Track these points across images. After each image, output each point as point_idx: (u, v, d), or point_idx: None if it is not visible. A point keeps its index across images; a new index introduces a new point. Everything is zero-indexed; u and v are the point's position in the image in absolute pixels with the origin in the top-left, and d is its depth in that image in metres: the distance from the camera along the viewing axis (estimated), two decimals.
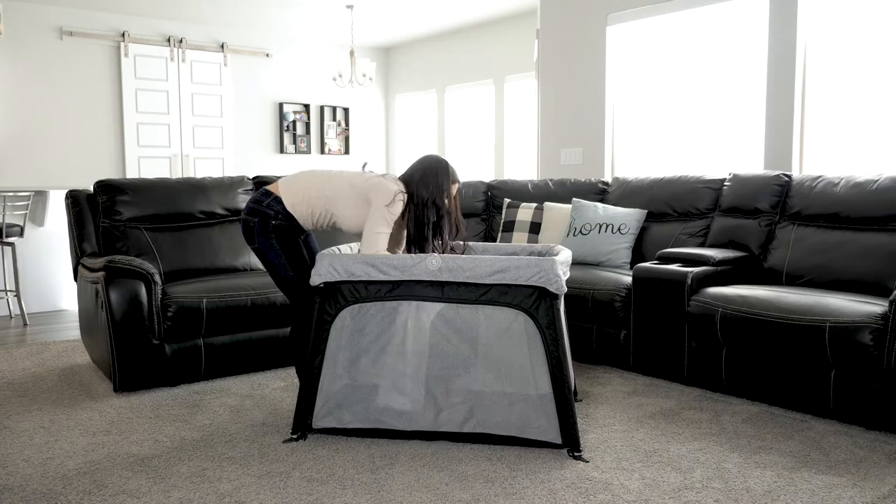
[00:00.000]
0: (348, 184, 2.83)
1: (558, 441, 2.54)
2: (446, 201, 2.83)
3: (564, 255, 2.66)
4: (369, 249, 2.73)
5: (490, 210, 4.94)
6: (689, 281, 3.31)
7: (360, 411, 2.66)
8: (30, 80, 7.37)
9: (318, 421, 2.68)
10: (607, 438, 2.70)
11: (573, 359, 3.82)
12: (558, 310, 2.52)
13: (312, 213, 2.87)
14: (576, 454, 2.50)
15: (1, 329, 5.01)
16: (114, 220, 3.84)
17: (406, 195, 2.81)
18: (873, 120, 4.16)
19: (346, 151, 9.56)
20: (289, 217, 2.86)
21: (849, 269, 3.30)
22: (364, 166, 2.95)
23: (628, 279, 3.60)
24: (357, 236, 2.93)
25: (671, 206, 4.19)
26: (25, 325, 5.14)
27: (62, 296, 5.77)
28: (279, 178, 4.44)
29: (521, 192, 4.83)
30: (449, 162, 2.85)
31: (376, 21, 8.25)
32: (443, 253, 2.86)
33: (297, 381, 3.49)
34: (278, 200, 2.84)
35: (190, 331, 3.42)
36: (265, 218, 2.83)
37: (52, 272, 5.72)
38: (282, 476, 2.37)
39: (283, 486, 2.28)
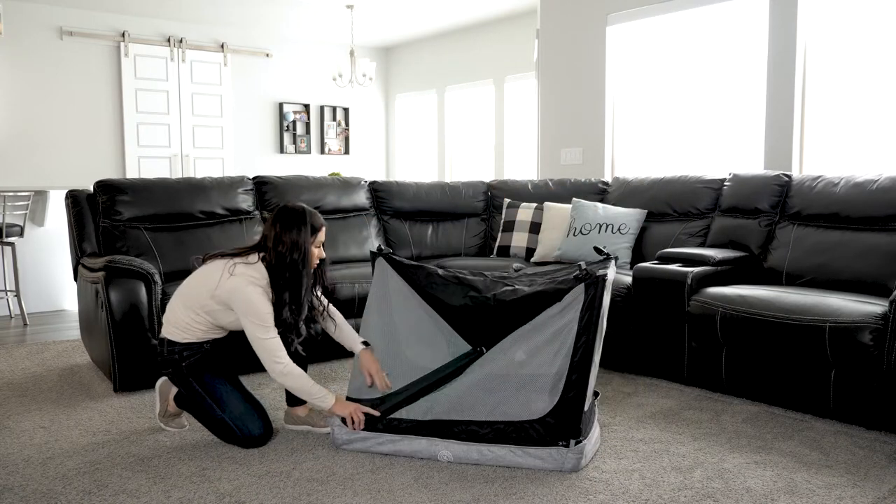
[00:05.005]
0: (208, 295, 2.55)
1: None
2: (308, 258, 2.55)
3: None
4: (272, 365, 2.50)
5: (490, 210, 4.94)
6: (689, 281, 3.31)
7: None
8: (30, 80, 7.37)
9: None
10: (607, 438, 2.70)
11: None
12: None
13: (206, 332, 2.64)
14: None
15: (1, 329, 5.01)
16: (114, 220, 3.84)
17: (262, 275, 2.55)
18: (873, 120, 4.16)
19: (346, 151, 9.56)
20: (192, 347, 2.62)
21: (849, 269, 3.30)
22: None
23: (628, 279, 3.60)
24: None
25: (671, 206, 4.19)
26: (25, 325, 5.14)
27: (62, 296, 5.77)
28: (279, 177, 4.45)
29: (521, 192, 4.83)
30: (306, 208, 2.59)
31: (376, 21, 8.25)
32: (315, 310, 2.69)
33: None
34: (171, 342, 2.62)
35: None
36: (172, 363, 2.63)
37: (52, 272, 5.72)
38: (282, 476, 2.37)
39: (283, 486, 2.28)
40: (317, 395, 2.54)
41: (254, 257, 2.58)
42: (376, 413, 2.54)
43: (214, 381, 2.64)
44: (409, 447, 2.50)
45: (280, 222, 2.54)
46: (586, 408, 2.46)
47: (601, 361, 3.73)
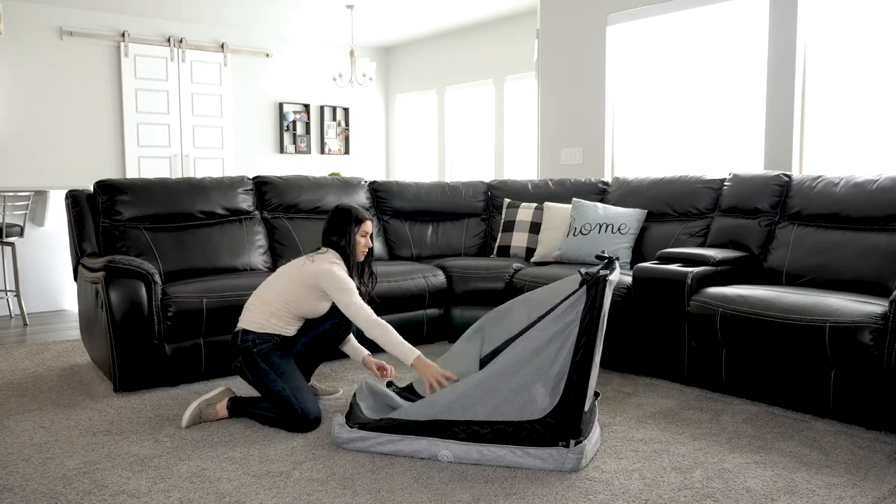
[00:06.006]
0: (293, 283, 2.94)
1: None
2: (354, 243, 3.06)
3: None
4: (369, 321, 2.83)
5: (490, 210, 4.94)
6: (689, 281, 3.31)
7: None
8: (30, 80, 7.37)
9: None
10: (607, 438, 2.70)
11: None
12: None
13: (286, 323, 2.98)
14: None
15: (1, 329, 5.01)
16: (114, 220, 3.84)
17: (337, 257, 3.01)
18: (873, 120, 4.16)
19: (346, 151, 9.56)
20: (264, 337, 2.94)
21: (849, 269, 3.30)
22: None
23: (628, 279, 3.60)
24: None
25: (671, 206, 4.19)
26: (25, 325, 5.14)
27: (62, 296, 5.77)
28: (279, 177, 4.44)
29: (521, 192, 4.83)
30: (352, 206, 3.10)
31: (376, 21, 8.25)
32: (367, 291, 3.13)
33: None
34: (246, 331, 2.94)
35: (190, 331, 3.41)
36: (244, 350, 2.93)
37: (52, 272, 5.72)
38: (282, 476, 2.37)
39: (283, 486, 2.28)
40: (402, 349, 2.77)
41: (323, 249, 3.05)
42: (454, 378, 2.69)
43: (280, 360, 2.91)
44: (410, 447, 2.50)
45: (332, 218, 3.07)
46: (587, 408, 2.46)
47: (601, 361, 3.73)
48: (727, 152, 4.83)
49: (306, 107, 9.20)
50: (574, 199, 4.45)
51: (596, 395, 2.67)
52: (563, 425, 2.39)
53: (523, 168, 7.95)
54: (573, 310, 2.46)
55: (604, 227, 4.16)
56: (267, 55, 8.86)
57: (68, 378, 3.60)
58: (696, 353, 3.28)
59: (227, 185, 4.20)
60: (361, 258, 3.09)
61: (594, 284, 2.44)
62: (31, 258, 5.62)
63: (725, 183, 4.04)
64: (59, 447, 2.64)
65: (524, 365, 2.46)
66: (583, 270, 2.54)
